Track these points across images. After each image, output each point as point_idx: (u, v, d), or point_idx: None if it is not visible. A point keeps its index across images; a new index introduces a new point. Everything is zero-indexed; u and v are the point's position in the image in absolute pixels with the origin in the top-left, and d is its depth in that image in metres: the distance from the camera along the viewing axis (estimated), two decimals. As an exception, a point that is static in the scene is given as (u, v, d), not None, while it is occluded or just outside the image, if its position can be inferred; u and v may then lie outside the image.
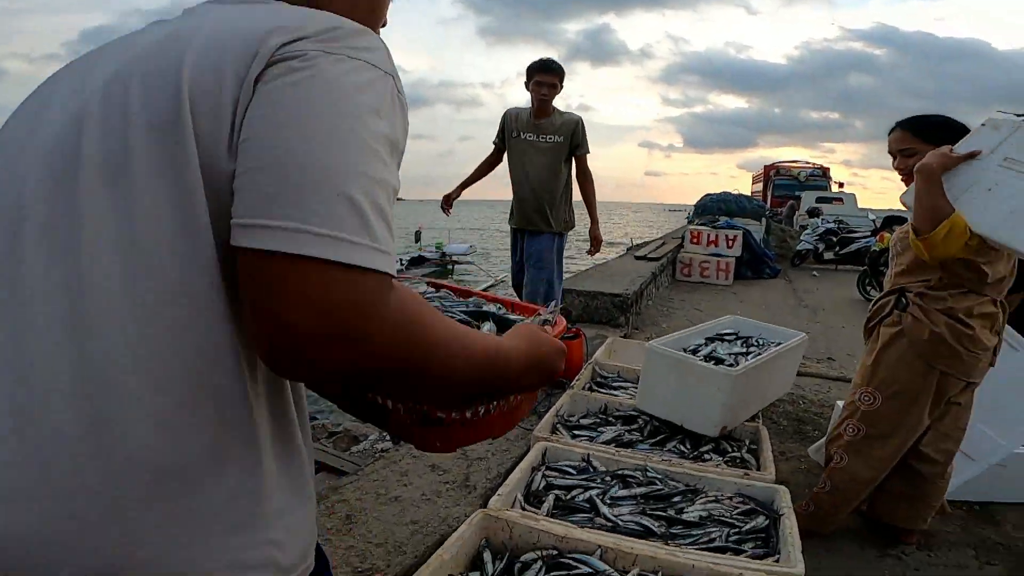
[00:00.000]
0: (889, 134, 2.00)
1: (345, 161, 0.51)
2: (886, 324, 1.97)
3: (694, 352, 2.43)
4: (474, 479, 2.34)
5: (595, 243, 3.64)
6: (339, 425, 3.70)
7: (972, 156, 1.70)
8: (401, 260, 14.30)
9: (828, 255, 11.14)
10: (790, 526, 1.57)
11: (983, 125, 1.75)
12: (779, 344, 2.45)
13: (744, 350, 2.45)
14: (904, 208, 1.86)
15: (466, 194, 3.76)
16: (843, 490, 2.02)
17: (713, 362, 2.26)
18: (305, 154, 0.50)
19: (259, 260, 0.48)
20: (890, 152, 1.98)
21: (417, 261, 14.98)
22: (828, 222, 12.03)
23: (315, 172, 0.50)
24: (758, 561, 1.45)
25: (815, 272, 10.61)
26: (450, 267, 16.30)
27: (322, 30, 0.58)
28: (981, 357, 1.83)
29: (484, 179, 3.73)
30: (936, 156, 1.73)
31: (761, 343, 2.56)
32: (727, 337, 2.64)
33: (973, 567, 2.03)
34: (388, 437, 3.08)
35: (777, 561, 1.47)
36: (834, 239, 11.27)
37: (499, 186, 3.58)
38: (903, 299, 1.93)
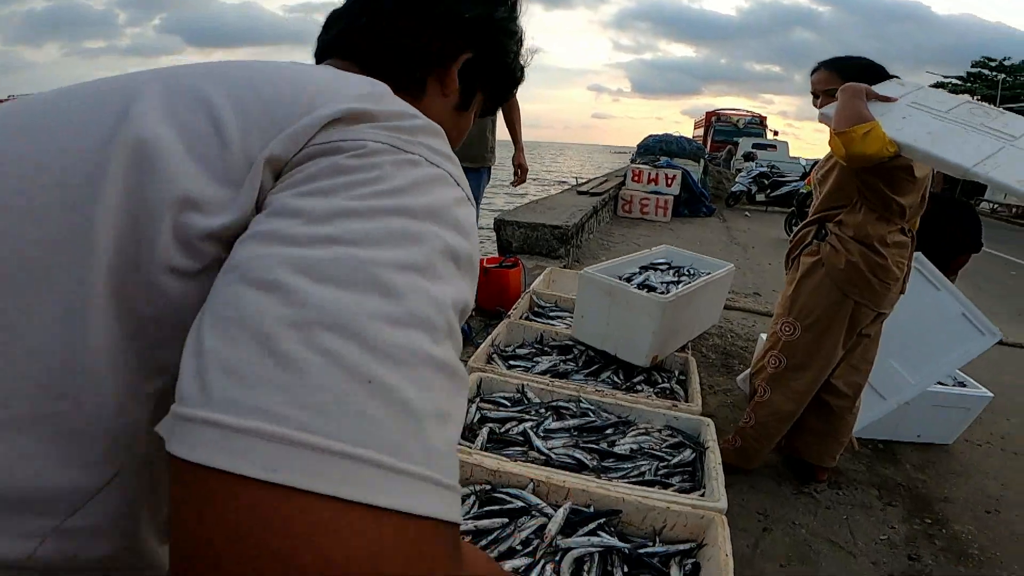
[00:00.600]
0: (812, 74, 1.99)
1: (394, 330, 0.32)
2: (806, 253, 1.99)
3: (628, 280, 2.40)
4: (405, 411, 2.27)
5: (520, 171, 3.47)
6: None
7: (888, 100, 1.77)
8: None
9: (760, 197, 11.58)
10: (714, 460, 1.58)
11: (889, 82, 1.86)
12: (709, 274, 2.45)
13: (676, 279, 2.44)
14: (823, 124, 1.85)
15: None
16: (766, 424, 2.07)
17: (646, 290, 2.24)
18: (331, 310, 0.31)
19: (214, 484, 0.27)
20: (813, 92, 1.97)
21: None
22: (761, 166, 12.41)
23: (342, 344, 0.30)
24: (684, 495, 1.44)
25: (747, 212, 10.95)
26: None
27: (394, 112, 0.42)
28: (891, 287, 1.86)
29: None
30: (860, 84, 1.76)
31: (692, 273, 2.56)
32: (660, 266, 2.63)
33: (877, 506, 2.13)
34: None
35: (703, 495, 1.48)
36: (766, 182, 11.70)
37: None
38: (823, 229, 1.95)
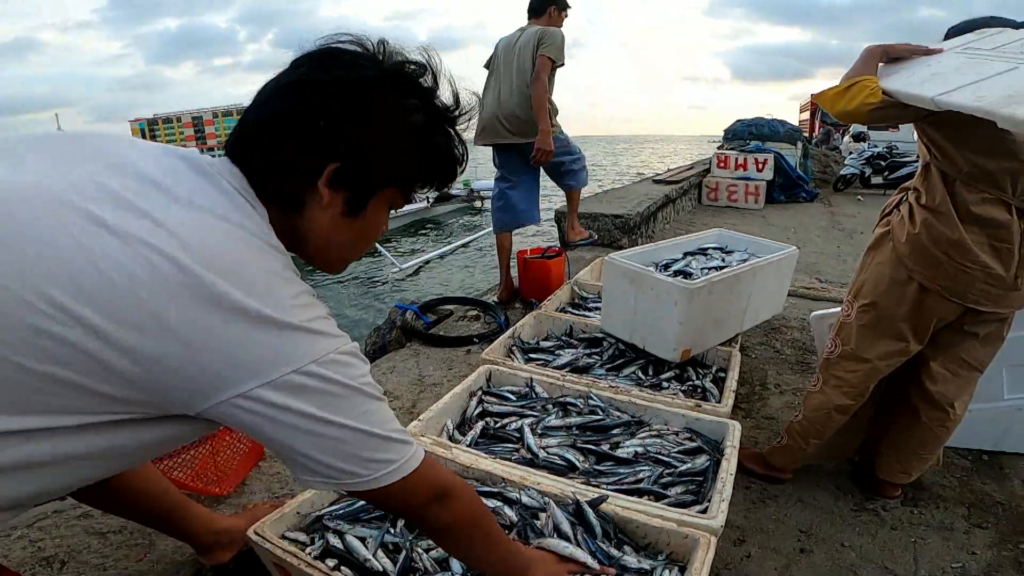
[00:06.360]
0: None
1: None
2: (880, 224, 1.65)
3: (666, 267, 2.16)
4: (421, 406, 2.18)
5: (538, 153, 3.10)
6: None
7: (931, 52, 1.48)
8: (428, 198, 14.19)
9: (876, 180, 10.42)
10: (727, 470, 1.33)
11: (971, 33, 1.58)
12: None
13: (722, 265, 2.16)
14: None
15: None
16: (812, 419, 1.74)
17: (682, 277, 1.99)
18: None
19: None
20: None
21: (443, 197, 14.84)
22: (875, 147, 11.24)
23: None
24: (675, 509, 1.23)
25: (860, 197, 9.91)
26: (478, 203, 16.17)
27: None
28: (974, 273, 1.44)
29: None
30: (889, 43, 1.54)
31: (748, 259, 2.26)
32: (709, 251, 2.34)
33: (960, 528, 1.72)
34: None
35: (704, 511, 1.25)
36: (883, 163, 10.51)
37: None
38: (905, 196, 1.60)
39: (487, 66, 3.31)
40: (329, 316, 0.71)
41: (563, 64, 3.10)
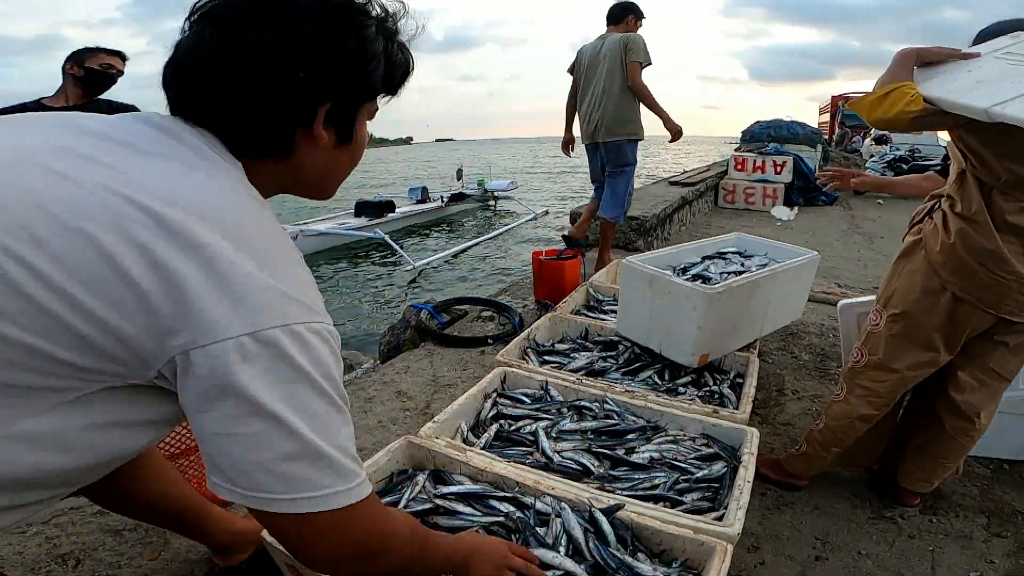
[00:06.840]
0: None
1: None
2: (911, 232, 1.61)
3: (684, 271, 2.13)
4: (435, 407, 2.18)
5: (673, 135, 3.76)
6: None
7: (967, 56, 1.42)
8: (443, 197, 14.18)
9: (898, 183, 10.25)
10: (744, 477, 1.31)
11: (1003, 37, 1.50)
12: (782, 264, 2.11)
13: (741, 270, 2.12)
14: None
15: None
16: (834, 428, 1.71)
17: (700, 281, 1.96)
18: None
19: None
20: None
21: (458, 197, 14.82)
22: (898, 150, 11.05)
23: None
24: (691, 516, 1.21)
25: (880, 200, 9.76)
26: (492, 203, 16.12)
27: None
28: (1009, 283, 1.40)
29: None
30: (923, 46, 1.47)
31: (767, 263, 2.22)
32: (728, 255, 2.31)
33: (979, 537, 1.68)
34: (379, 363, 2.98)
35: (721, 518, 1.23)
36: (905, 167, 10.35)
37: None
38: (937, 204, 1.56)
39: (571, 71, 3.76)
40: (314, 285, 0.65)
41: (651, 64, 3.53)
